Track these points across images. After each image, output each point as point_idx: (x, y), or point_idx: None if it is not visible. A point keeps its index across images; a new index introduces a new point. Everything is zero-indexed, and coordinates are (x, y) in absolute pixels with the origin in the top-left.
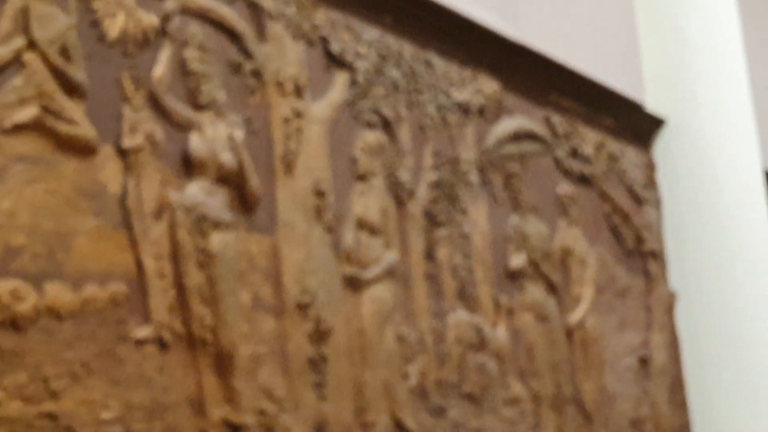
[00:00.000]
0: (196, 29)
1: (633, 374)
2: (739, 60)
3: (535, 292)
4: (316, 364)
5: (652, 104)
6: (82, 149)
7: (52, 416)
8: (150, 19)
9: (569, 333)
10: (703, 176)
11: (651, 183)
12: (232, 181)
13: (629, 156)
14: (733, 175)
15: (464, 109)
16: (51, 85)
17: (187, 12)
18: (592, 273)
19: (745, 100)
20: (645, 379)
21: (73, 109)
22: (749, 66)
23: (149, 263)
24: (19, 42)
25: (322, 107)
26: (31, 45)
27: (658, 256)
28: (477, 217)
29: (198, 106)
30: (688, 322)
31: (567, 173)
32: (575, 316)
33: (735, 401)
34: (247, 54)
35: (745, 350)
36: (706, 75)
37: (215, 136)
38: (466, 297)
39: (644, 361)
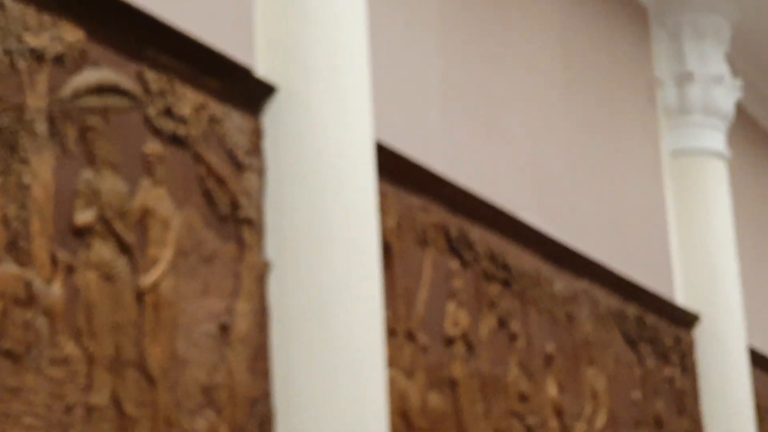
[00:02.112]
0: None
1: (211, 341)
2: (359, 30)
3: (103, 250)
4: None
5: (264, 70)
6: None
7: None
8: None
9: (141, 295)
10: (312, 147)
11: (256, 150)
12: None
13: (234, 120)
14: (344, 147)
15: (38, 55)
16: None
17: None
18: (173, 235)
19: (362, 72)
20: (224, 346)
21: None
22: (370, 37)
23: None
24: None
25: None
26: None
27: (254, 223)
28: (40, 168)
29: None
30: (280, 292)
31: (157, 132)
32: (149, 278)
33: (319, 373)
34: None
35: (333, 324)
36: (323, 44)
37: None
38: (17, 250)
39: (225, 328)
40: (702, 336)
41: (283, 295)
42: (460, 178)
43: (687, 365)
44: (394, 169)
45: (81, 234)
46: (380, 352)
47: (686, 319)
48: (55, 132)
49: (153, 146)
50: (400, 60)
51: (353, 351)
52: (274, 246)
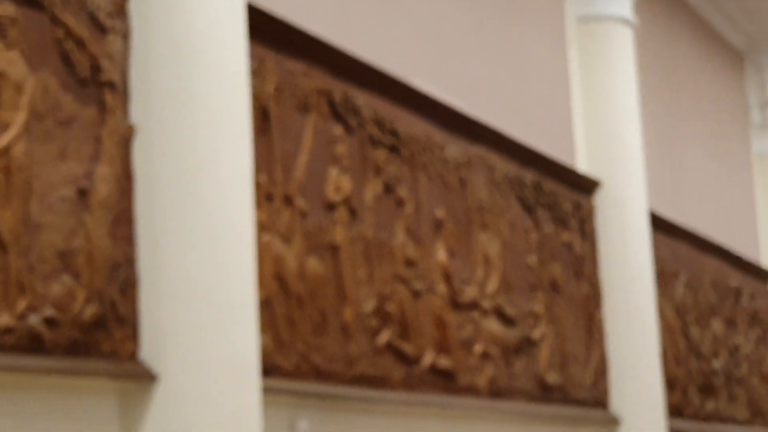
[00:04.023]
0: None
1: (68, 205)
2: None
3: None
4: None
5: None
6: None
7: None
8: None
9: None
10: (180, 9)
11: (120, 12)
12: None
13: None
14: (213, 8)
15: None
16: None
17: None
18: (26, 99)
19: None
20: (83, 210)
21: None
22: None
23: None
24: None
25: None
26: None
27: (117, 87)
28: None
29: None
30: (145, 156)
31: None
32: None
33: (185, 238)
34: None
35: (201, 189)
36: None
37: None
38: None
39: (84, 193)
40: (603, 202)
41: (148, 159)
42: (347, 44)
43: (586, 230)
44: (273, 33)
45: None
46: (249, 216)
47: (586, 185)
48: None
49: (4, 8)
50: None
51: (221, 215)
52: (139, 110)
